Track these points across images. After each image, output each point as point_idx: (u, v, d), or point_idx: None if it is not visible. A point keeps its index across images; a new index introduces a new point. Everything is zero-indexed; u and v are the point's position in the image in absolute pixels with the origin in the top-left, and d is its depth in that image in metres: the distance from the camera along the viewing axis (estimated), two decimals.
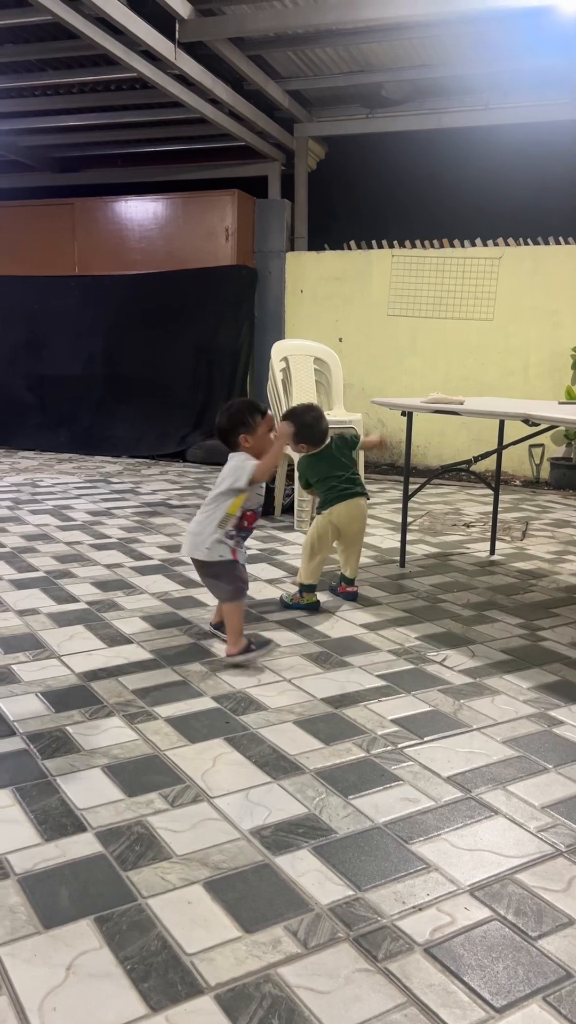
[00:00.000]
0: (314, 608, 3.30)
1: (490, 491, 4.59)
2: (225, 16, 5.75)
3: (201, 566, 2.78)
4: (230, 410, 2.79)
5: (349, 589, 3.47)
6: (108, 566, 3.90)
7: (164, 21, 5.57)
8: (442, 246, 7.59)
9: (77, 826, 1.76)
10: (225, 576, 2.74)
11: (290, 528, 4.81)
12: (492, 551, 4.43)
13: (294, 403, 5.12)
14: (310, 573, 3.32)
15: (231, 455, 2.77)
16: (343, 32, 6.15)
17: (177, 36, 5.67)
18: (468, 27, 5.89)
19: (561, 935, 1.47)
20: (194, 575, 3.26)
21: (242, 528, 2.78)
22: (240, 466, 2.70)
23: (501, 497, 5.98)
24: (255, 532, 3.44)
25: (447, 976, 1.37)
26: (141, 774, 1.99)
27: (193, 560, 2.79)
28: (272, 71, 6.98)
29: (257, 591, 3.53)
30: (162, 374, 8.10)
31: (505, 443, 4.37)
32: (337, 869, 1.64)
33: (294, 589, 3.41)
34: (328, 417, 5.00)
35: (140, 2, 5.36)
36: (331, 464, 3.34)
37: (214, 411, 8.28)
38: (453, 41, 6.24)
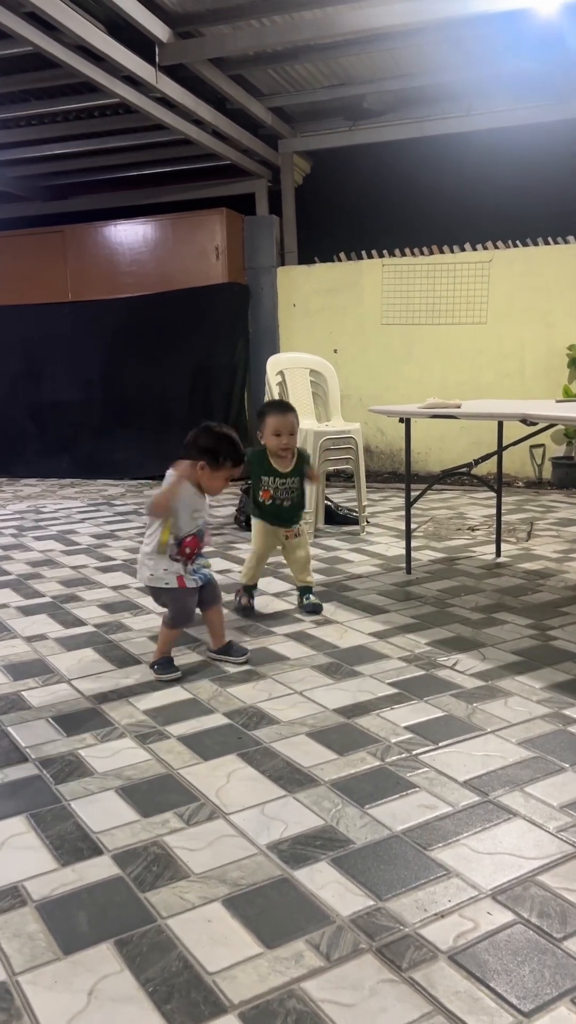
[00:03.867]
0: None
1: (493, 494, 4.58)
2: (204, 38, 5.80)
3: (149, 590, 2.79)
4: (215, 435, 2.67)
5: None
6: (114, 588, 3.90)
7: (143, 46, 5.62)
8: (432, 253, 7.62)
9: (93, 849, 1.75)
10: (169, 602, 2.74)
11: None
12: (498, 553, 4.41)
13: None
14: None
15: (167, 473, 2.69)
16: (321, 47, 6.20)
17: (157, 60, 5.73)
18: (446, 34, 5.94)
19: None
20: None
21: (184, 555, 2.69)
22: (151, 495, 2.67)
23: (505, 499, 5.97)
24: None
25: (472, 982, 1.35)
26: (155, 794, 1.98)
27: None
28: (254, 89, 7.04)
29: (264, 605, 3.52)
30: (160, 395, 8.12)
31: (505, 444, 4.36)
32: (357, 880, 1.62)
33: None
34: (326, 428, 5.03)
35: (119, 28, 5.42)
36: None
37: None
38: (432, 49, 6.29)
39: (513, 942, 1.44)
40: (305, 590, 3.48)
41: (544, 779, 2.00)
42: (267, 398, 5.08)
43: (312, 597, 3.47)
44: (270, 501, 3.32)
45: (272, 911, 1.54)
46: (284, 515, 3.35)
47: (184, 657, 2.92)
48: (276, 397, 5.06)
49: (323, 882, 1.62)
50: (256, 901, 1.57)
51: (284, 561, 3.61)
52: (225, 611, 3.42)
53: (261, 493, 3.32)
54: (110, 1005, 1.33)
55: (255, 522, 3.40)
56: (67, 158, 8.34)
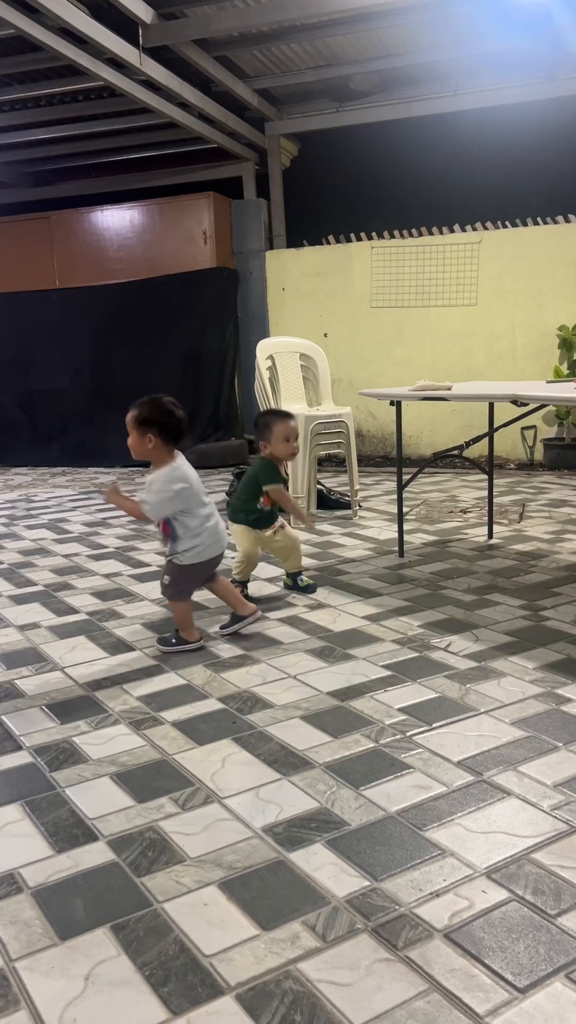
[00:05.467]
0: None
1: (485, 476, 4.58)
2: (187, 19, 5.74)
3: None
4: (161, 406, 2.75)
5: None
6: (107, 575, 3.89)
7: (127, 27, 5.56)
8: (421, 235, 7.59)
9: (88, 836, 1.75)
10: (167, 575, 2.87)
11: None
12: (490, 535, 4.42)
13: (282, 401, 5.13)
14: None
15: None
16: (307, 27, 6.14)
17: (141, 41, 5.67)
18: (432, 13, 5.88)
19: None
20: None
21: (165, 532, 2.85)
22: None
23: (497, 481, 5.98)
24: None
25: (468, 960, 1.36)
26: (150, 780, 1.98)
27: None
28: (239, 71, 6.97)
29: (257, 590, 3.52)
30: (150, 382, 8.02)
31: (496, 426, 4.36)
32: (352, 861, 1.63)
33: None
34: (317, 412, 5.01)
35: (102, 10, 5.36)
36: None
37: (204, 416, 8.30)
38: (418, 28, 6.24)
39: (508, 919, 1.45)
40: (295, 574, 3.48)
41: (537, 758, 2.01)
42: (257, 383, 5.06)
43: (305, 578, 3.49)
44: (269, 507, 3.33)
45: (268, 893, 1.54)
46: (272, 518, 3.38)
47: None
48: (266, 382, 5.04)
49: (318, 864, 1.62)
50: (252, 884, 1.57)
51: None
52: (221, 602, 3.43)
53: (263, 500, 3.31)
54: (107, 989, 1.33)
55: (241, 527, 3.36)
56: (52, 143, 8.26)
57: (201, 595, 3.22)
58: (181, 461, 2.79)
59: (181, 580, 2.84)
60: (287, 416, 3.37)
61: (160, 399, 2.77)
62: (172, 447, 2.79)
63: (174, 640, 2.86)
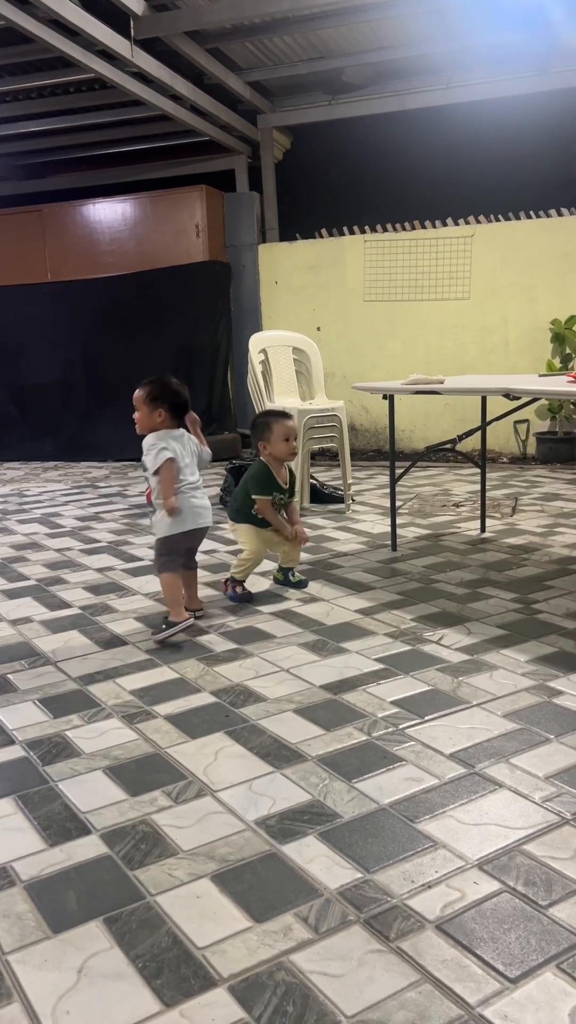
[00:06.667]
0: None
1: (477, 470, 4.59)
2: (179, 10, 5.72)
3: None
4: (170, 385, 2.96)
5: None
6: (99, 570, 3.89)
7: (118, 19, 5.53)
8: (414, 228, 7.58)
9: (81, 829, 1.75)
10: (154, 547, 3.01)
11: None
12: (483, 529, 4.43)
13: (275, 395, 5.12)
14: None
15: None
16: (300, 19, 6.12)
17: (133, 33, 5.64)
18: (424, 5, 5.87)
19: (571, 902, 1.47)
20: None
21: (148, 501, 3.03)
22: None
23: (489, 475, 5.99)
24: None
25: (460, 951, 1.36)
26: (143, 773, 1.98)
27: None
28: (231, 63, 6.95)
29: (250, 584, 3.52)
30: (143, 375, 7.94)
31: (489, 420, 4.36)
32: (344, 853, 1.63)
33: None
34: (310, 406, 5.01)
35: (93, 1, 5.33)
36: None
37: (196, 410, 8.26)
38: (411, 21, 6.22)
39: (499, 910, 1.46)
40: (287, 569, 3.48)
41: (529, 750, 2.02)
42: (250, 377, 5.05)
43: (297, 574, 3.49)
44: (262, 516, 3.31)
45: (261, 886, 1.55)
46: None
47: (170, 638, 2.92)
48: (259, 376, 5.03)
49: (311, 856, 1.63)
50: (245, 876, 1.58)
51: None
52: (216, 594, 3.43)
53: (256, 508, 3.28)
54: (100, 982, 1.33)
55: (246, 527, 3.34)
56: (43, 135, 8.22)
57: (204, 582, 3.21)
58: (181, 433, 2.99)
59: (161, 551, 2.95)
60: (286, 416, 3.37)
61: (167, 379, 3.00)
62: (177, 423, 2.98)
63: (164, 625, 2.88)
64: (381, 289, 7.70)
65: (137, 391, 2.94)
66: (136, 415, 2.95)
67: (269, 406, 4.67)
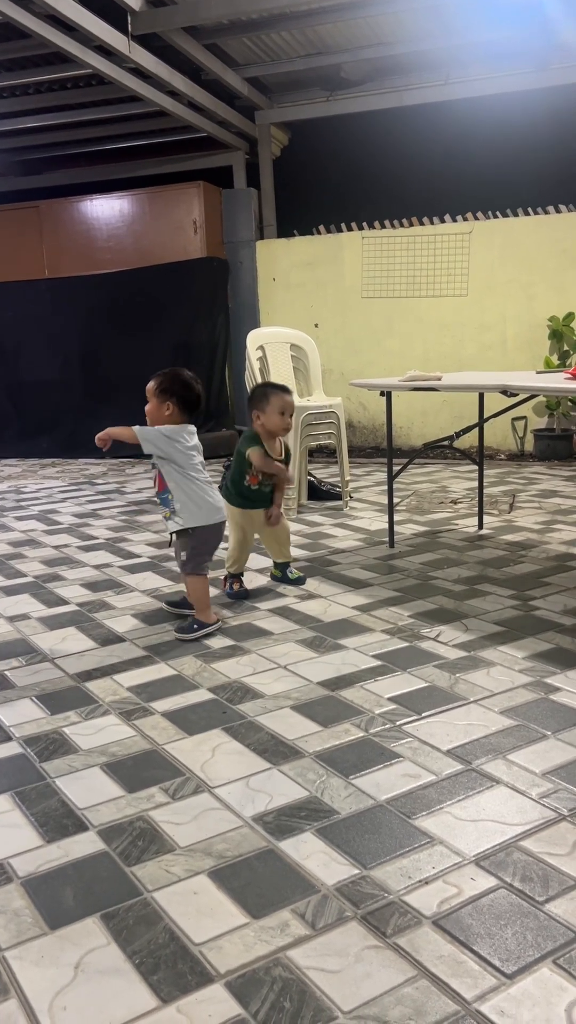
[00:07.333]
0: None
1: (475, 467, 4.59)
2: (176, 6, 5.70)
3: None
4: (181, 378, 2.87)
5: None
6: (97, 567, 3.89)
7: (116, 14, 5.52)
8: (412, 225, 7.57)
9: (78, 826, 1.75)
10: (181, 550, 2.93)
11: None
12: (480, 526, 4.43)
13: None
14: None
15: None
16: (297, 15, 6.11)
17: (130, 29, 5.62)
18: (423, 1, 5.86)
19: (568, 898, 1.47)
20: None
21: (160, 489, 2.92)
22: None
23: (487, 472, 5.99)
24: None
25: (456, 946, 1.36)
26: (140, 770, 1.98)
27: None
28: (229, 59, 6.93)
29: (247, 581, 3.52)
30: (140, 372, 7.94)
31: (486, 416, 4.36)
32: (341, 849, 1.63)
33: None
34: (308, 403, 5.01)
35: None
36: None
37: None
38: (409, 17, 6.21)
39: (496, 906, 1.46)
40: (284, 566, 3.48)
41: (526, 747, 2.02)
42: (248, 373, 5.04)
43: (295, 571, 3.48)
44: (256, 486, 3.30)
45: (257, 882, 1.55)
46: (265, 498, 3.34)
47: (167, 635, 2.92)
48: (257, 372, 5.03)
49: (308, 852, 1.63)
50: (242, 872, 1.58)
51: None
52: (215, 592, 3.43)
53: (249, 478, 3.29)
54: (97, 978, 1.33)
55: (229, 511, 3.34)
56: (41, 131, 8.20)
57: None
58: (193, 430, 2.91)
59: (196, 550, 2.87)
60: (285, 390, 3.32)
61: (181, 372, 2.89)
62: (186, 418, 2.89)
63: (195, 626, 2.86)
64: (379, 286, 7.69)
65: (150, 381, 2.88)
66: (147, 407, 2.89)
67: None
